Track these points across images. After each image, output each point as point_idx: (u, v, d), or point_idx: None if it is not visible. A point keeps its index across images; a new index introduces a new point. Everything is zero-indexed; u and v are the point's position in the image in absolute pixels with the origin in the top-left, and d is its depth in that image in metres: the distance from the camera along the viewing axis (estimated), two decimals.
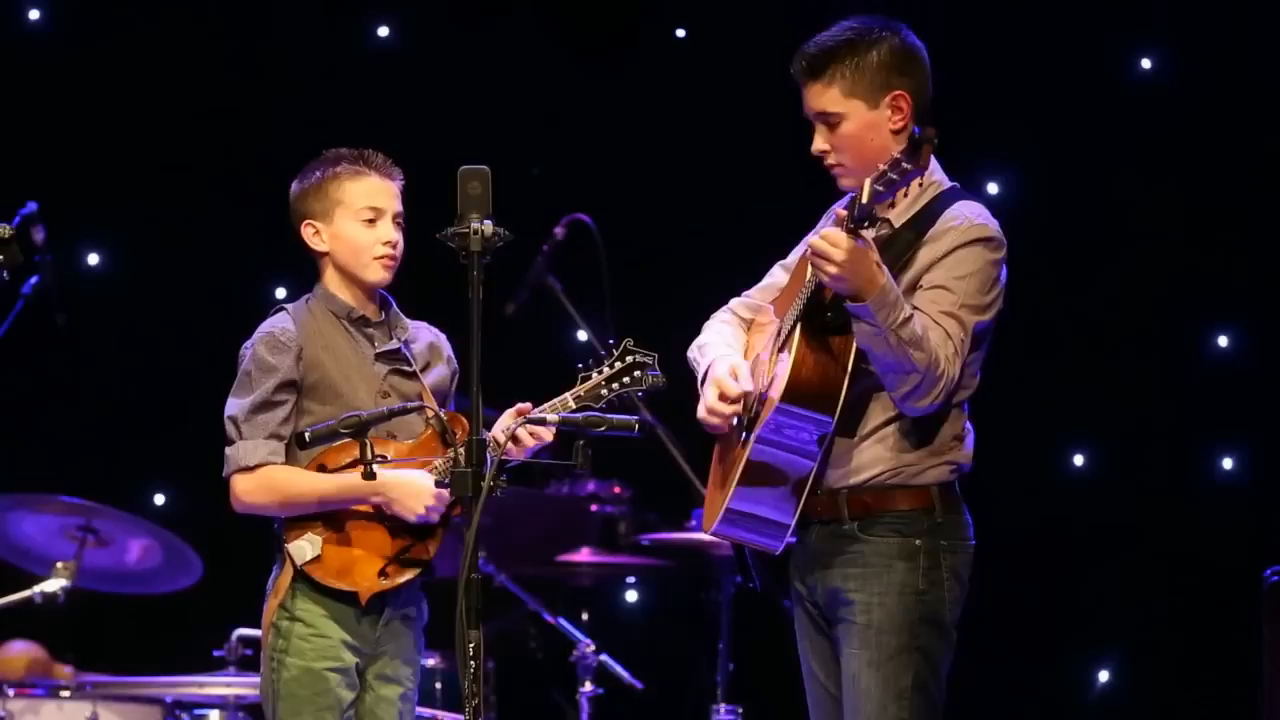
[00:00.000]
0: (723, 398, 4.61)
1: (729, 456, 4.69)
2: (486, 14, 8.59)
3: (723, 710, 7.24)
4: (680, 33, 8.69)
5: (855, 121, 4.62)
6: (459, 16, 8.58)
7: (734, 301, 4.93)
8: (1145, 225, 8.20)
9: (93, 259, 8.59)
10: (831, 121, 4.65)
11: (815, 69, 4.64)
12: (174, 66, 8.39)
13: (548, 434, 4.93)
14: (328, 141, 5.21)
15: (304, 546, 4.99)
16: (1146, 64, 8.32)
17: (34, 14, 8.53)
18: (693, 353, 4.83)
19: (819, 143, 4.68)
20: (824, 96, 4.64)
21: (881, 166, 4.26)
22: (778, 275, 4.87)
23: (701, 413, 4.67)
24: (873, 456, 4.58)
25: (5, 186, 7.34)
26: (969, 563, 4.64)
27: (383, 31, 8.68)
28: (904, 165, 4.23)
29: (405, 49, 8.64)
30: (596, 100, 8.45)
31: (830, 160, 4.68)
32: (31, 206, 7.13)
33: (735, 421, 4.66)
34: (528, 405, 4.94)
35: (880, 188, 4.26)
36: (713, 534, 4.68)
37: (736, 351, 4.77)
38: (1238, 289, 8.18)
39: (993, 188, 8.25)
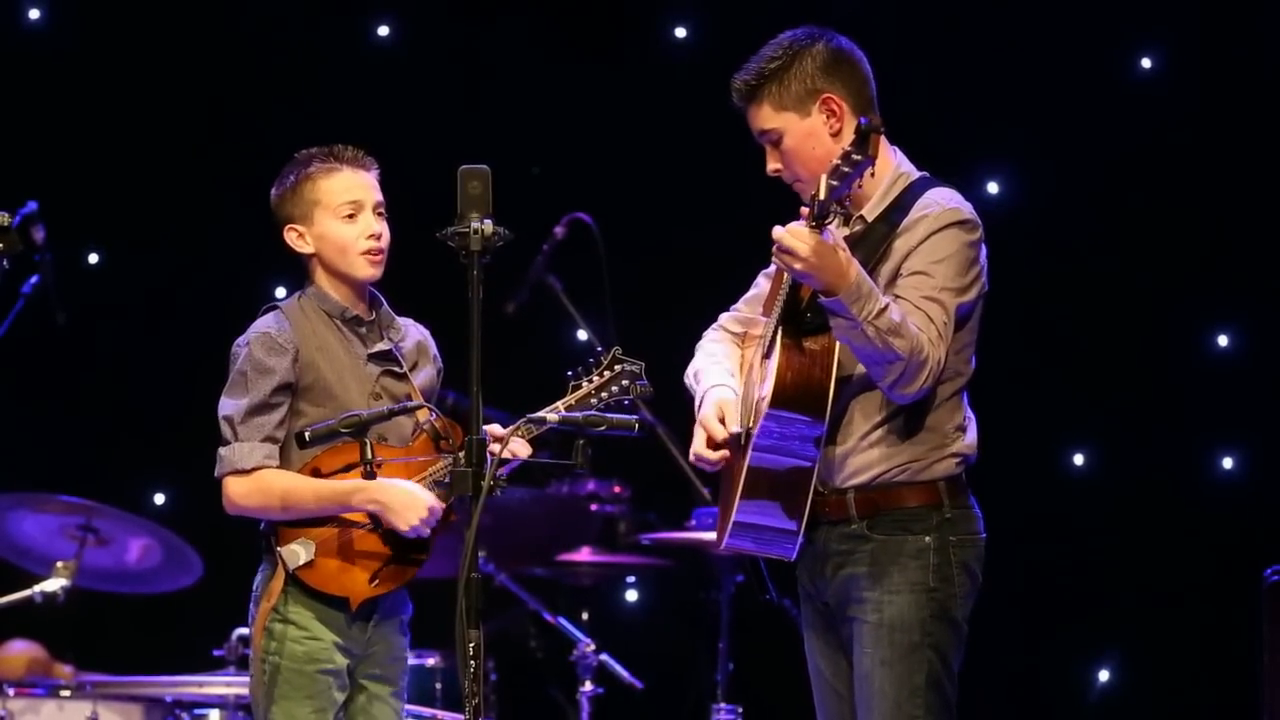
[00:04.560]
0: (710, 444, 4.63)
1: (733, 468, 4.69)
2: (486, 13, 8.59)
3: (723, 710, 7.23)
4: (681, 32, 8.69)
5: (793, 134, 4.69)
6: (459, 16, 8.58)
7: (723, 317, 4.94)
8: (1145, 225, 8.19)
9: (93, 259, 8.59)
10: (773, 139, 4.72)
11: (745, 93, 4.72)
12: (174, 66, 8.39)
13: (523, 450, 4.90)
14: (328, 141, 5.17)
15: (297, 551, 4.96)
16: (1147, 64, 8.32)
17: (34, 13, 8.53)
18: (689, 379, 4.84)
19: (771, 163, 4.75)
20: (759, 116, 4.72)
21: (834, 161, 4.30)
22: (762, 284, 4.89)
23: (691, 458, 4.70)
24: (877, 455, 4.60)
25: (5, 186, 7.33)
26: (979, 557, 4.66)
27: (383, 31, 8.68)
28: (854, 156, 4.27)
29: (405, 48, 8.63)
30: (597, 100, 8.44)
31: (786, 178, 4.74)
32: (31, 206, 7.13)
33: (735, 439, 4.65)
34: (496, 427, 4.89)
35: (835, 181, 4.29)
36: (724, 549, 4.67)
37: (730, 373, 4.78)
38: (1238, 289, 8.18)
39: (993, 187, 8.25)
